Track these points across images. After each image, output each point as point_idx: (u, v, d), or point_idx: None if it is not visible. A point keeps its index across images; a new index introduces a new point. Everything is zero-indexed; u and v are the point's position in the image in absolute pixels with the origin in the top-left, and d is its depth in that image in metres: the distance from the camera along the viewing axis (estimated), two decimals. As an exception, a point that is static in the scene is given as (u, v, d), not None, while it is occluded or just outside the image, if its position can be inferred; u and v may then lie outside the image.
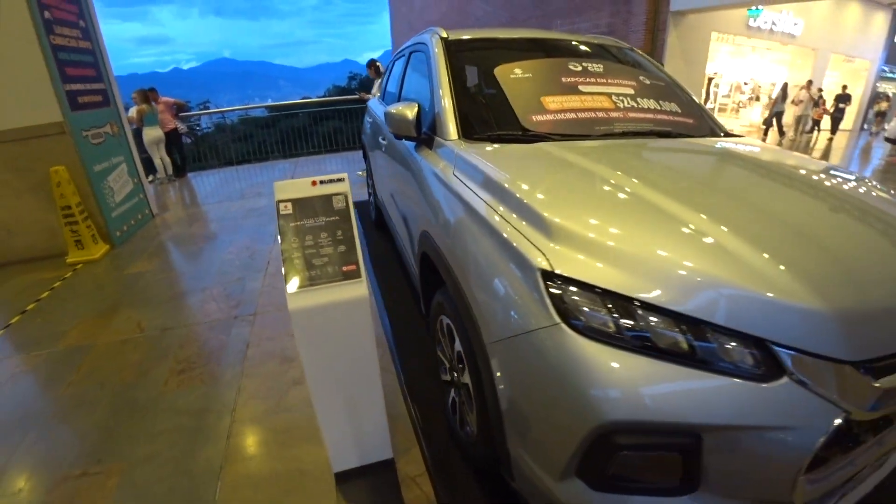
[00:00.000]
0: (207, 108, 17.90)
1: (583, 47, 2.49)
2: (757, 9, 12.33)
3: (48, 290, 3.58)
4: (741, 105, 16.04)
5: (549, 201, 1.19)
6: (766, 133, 12.97)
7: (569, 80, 2.02)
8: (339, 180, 1.54)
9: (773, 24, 13.16)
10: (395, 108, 1.99)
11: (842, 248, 1.03)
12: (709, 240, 0.99)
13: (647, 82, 2.26)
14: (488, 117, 1.89)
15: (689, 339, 0.88)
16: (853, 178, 1.63)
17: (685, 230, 1.03)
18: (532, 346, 1.01)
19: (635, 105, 2.04)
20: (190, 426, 2.05)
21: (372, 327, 1.47)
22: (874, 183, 1.61)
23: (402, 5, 27.30)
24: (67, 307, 3.30)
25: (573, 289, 0.97)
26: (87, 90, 4.38)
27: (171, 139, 7.74)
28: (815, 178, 1.59)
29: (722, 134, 2.18)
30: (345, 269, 1.44)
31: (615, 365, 0.88)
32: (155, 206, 5.62)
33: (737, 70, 15.34)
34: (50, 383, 2.45)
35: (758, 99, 16.17)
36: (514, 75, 1.99)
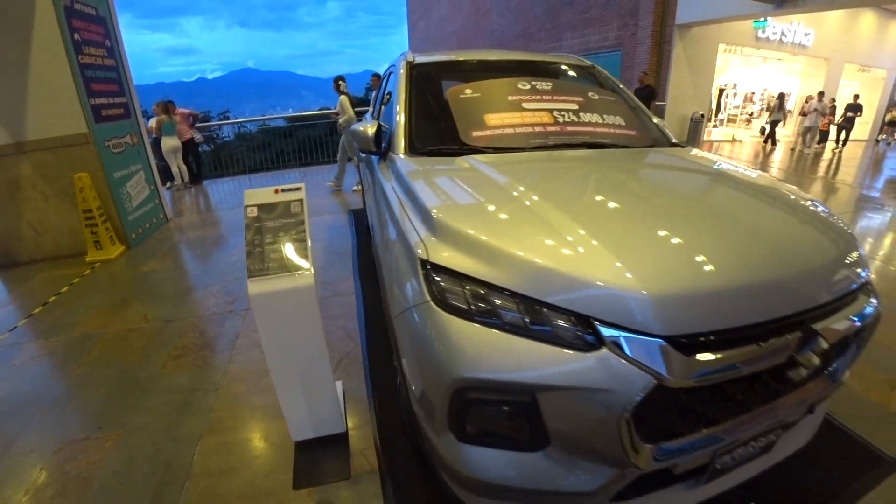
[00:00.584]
0: (227, 117, 18.52)
1: (541, 66, 2.74)
2: (763, 20, 12.36)
3: (68, 286, 3.97)
4: (753, 115, 15.95)
5: (437, 204, 1.45)
6: (765, 142, 12.92)
7: (514, 98, 2.26)
8: (297, 189, 1.83)
9: (783, 34, 13.16)
10: (360, 126, 2.28)
11: (677, 241, 1.23)
12: (561, 238, 1.21)
13: (596, 98, 2.47)
14: (434, 134, 2.15)
15: (527, 315, 1.11)
16: (749, 176, 1.84)
17: (544, 230, 1.25)
18: (414, 319, 1.26)
19: (576, 120, 2.23)
20: (180, 401, 2.35)
21: (318, 313, 1.74)
22: (770, 183, 1.81)
23: (420, 19, 27.97)
24: (84, 300, 3.67)
25: (442, 274, 1.22)
26: (111, 104, 4.81)
27: (188, 148, 8.23)
28: (698, 178, 1.83)
29: (667, 145, 2.36)
30: (296, 262, 1.72)
31: (469, 334, 1.11)
32: (170, 210, 6.04)
33: (750, 81, 15.30)
34: (64, 364, 2.79)
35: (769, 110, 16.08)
36: (463, 95, 2.26)
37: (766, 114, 13.38)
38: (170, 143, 7.86)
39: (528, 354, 1.08)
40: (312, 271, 1.70)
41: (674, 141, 2.45)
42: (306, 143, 10.52)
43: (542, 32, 15.39)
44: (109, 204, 4.68)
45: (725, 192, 1.71)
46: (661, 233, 1.27)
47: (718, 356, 1.06)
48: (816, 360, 1.18)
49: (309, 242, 1.74)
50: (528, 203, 1.39)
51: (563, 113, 2.23)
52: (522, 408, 1.11)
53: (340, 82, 6.73)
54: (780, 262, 1.21)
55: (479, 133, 2.06)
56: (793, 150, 11.78)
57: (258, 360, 2.65)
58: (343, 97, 6.54)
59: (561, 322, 1.09)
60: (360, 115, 6.86)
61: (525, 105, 2.22)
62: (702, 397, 1.17)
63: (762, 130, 13.36)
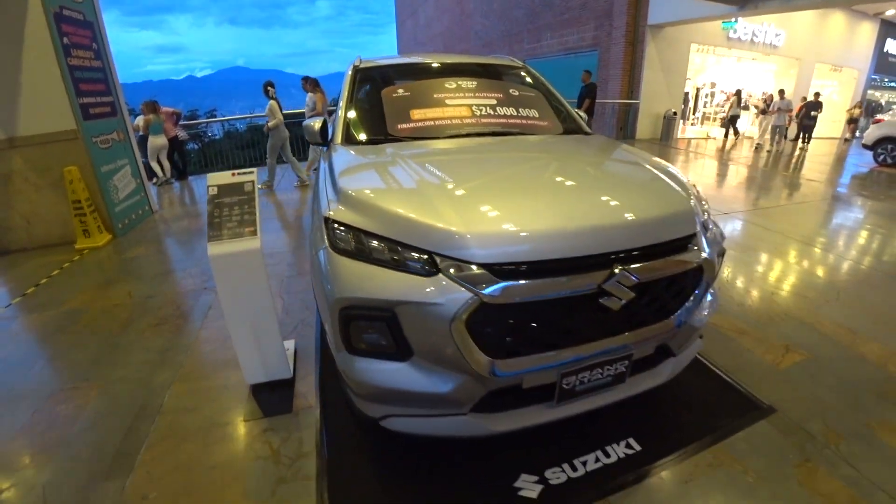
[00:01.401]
0: (214, 115, 18.74)
1: (474, 67, 3.11)
2: (732, 21, 12.83)
3: (58, 270, 4.32)
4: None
5: (344, 178, 1.82)
6: (725, 136, 13.47)
7: (439, 95, 2.63)
8: (250, 173, 2.22)
9: (754, 35, 13.66)
10: (310, 122, 2.65)
11: (510, 199, 1.59)
12: (422, 198, 1.57)
13: (516, 94, 2.84)
14: (367, 127, 2.52)
15: (391, 253, 1.47)
16: (613, 152, 2.27)
17: (412, 193, 1.62)
18: (318, 259, 1.62)
19: (492, 113, 2.59)
20: (155, 359, 2.72)
21: (265, 272, 2.11)
22: (630, 155, 2.23)
23: (408, 19, 28.35)
24: (73, 282, 4.02)
25: (337, 226, 1.59)
26: (98, 102, 5.15)
27: (174, 145, 8.55)
28: (567, 154, 2.25)
29: (579, 133, 2.74)
30: (246, 230, 2.09)
31: (349, 267, 1.48)
32: (155, 203, 6.38)
33: (729, 80, 15.79)
34: (55, 332, 3.15)
35: (746, 108, 16.57)
36: (395, 94, 2.64)
37: (726, 109, 13.83)
38: (157, 141, 8.17)
39: (389, 280, 1.44)
40: (259, 236, 2.08)
41: (587, 130, 2.83)
42: (294, 141, 10.84)
43: (524, 33, 15.83)
44: (97, 195, 5.02)
45: (580, 163, 2.13)
46: (501, 193, 1.67)
47: (527, 281, 1.40)
48: (626, 292, 1.47)
49: (258, 215, 2.13)
50: (410, 176, 1.77)
51: (480, 107, 2.61)
52: (387, 321, 1.46)
53: (269, 88, 7.21)
54: (594, 213, 1.56)
55: (404, 126, 2.44)
56: (758, 147, 12.09)
57: (225, 327, 3.01)
58: (272, 102, 7.01)
59: (413, 256, 1.46)
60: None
61: (448, 101, 2.60)
62: (539, 322, 1.47)
63: (723, 124, 13.94)
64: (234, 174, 2.21)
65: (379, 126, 2.48)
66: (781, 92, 11.74)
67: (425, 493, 1.72)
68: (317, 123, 2.59)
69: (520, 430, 1.60)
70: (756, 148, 11.97)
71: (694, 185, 2.04)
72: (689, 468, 1.86)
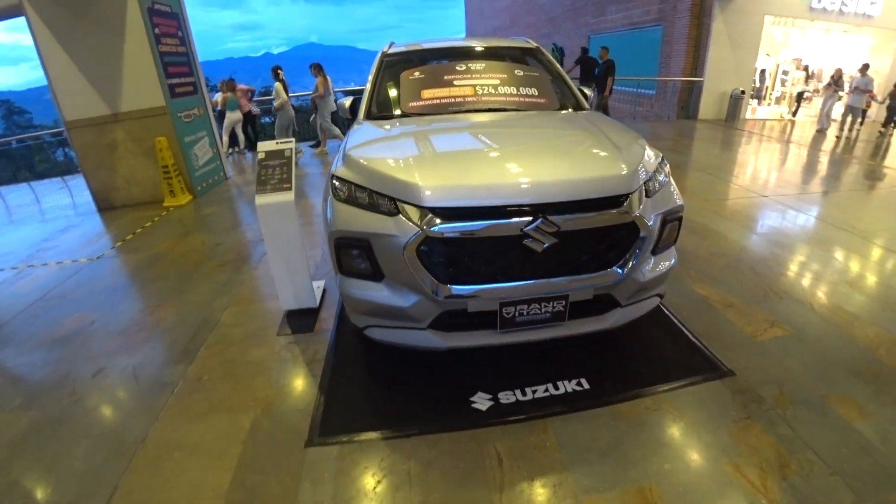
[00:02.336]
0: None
1: (488, 50, 3.45)
2: (816, -11, 11.72)
3: (150, 222, 5.24)
4: (813, 93, 15.05)
5: (351, 145, 2.29)
6: (793, 114, 12.40)
7: (449, 77, 3.01)
8: (289, 142, 2.76)
9: (843, 4, 12.37)
10: (343, 100, 3.16)
11: (467, 159, 2.03)
12: (398, 160, 1.99)
13: (521, 74, 3.13)
14: (386, 104, 2.96)
15: (369, 198, 1.90)
16: (578, 123, 2.58)
17: (394, 157, 2.04)
18: (326, 207, 2.10)
19: (494, 91, 2.90)
20: (217, 289, 3.41)
21: (296, 219, 2.66)
22: (591, 126, 2.47)
23: (475, -7, 28.16)
24: (160, 232, 4.89)
25: (337, 182, 2.06)
26: (182, 83, 6.01)
27: (247, 119, 9.51)
28: (544, 127, 2.61)
29: (574, 109, 2.96)
30: (284, 185, 2.65)
31: (343, 209, 1.95)
32: (230, 170, 7.30)
33: (815, 56, 14.43)
34: (145, 269, 3.96)
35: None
36: (411, 76, 3.05)
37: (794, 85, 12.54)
38: (233, 116, 9.14)
39: (366, 218, 1.90)
40: (293, 191, 2.63)
41: (584, 107, 3.03)
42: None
43: (589, 6, 15.38)
44: (181, 162, 5.92)
45: (545, 133, 2.48)
46: (460, 155, 2.10)
47: (461, 221, 1.76)
48: (547, 237, 1.76)
49: (293, 174, 2.67)
50: (397, 143, 2.21)
51: (483, 86, 2.95)
52: (364, 249, 1.91)
53: (278, 71, 7.98)
54: (526, 172, 1.90)
55: (414, 103, 2.86)
56: (819, 132, 10.47)
57: (273, 270, 3.67)
58: (278, 83, 7.78)
59: (383, 200, 1.89)
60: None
61: (455, 82, 2.97)
62: (478, 256, 1.83)
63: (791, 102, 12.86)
64: (277, 143, 2.77)
65: (394, 104, 2.93)
66: (864, 67, 10.31)
67: (399, 396, 2.18)
68: (348, 101, 3.08)
69: (469, 347, 2.01)
70: (819, 132, 10.44)
71: (653, 155, 2.23)
72: (627, 409, 2.05)
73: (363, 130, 2.62)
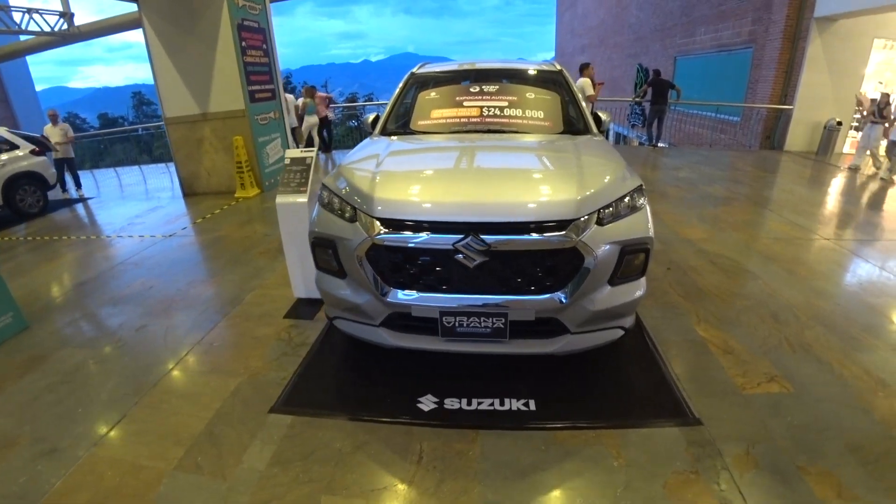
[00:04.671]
0: (371, 99, 21.36)
1: (508, 72, 3.60)
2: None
3: (220, 210, 6.03)
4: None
5: (348, 157, 2.61)
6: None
7: (460, 98, 3.17)
8: (310, 151, 3.18)
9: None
10: (367, 116, 3.53)
11: (424, 177, 2.23)
12: (368, 174, 2.25)
13: (532, 97, 3.23)
14: (399, 122, 3.25)
15: (339, 206, 2.17)
16: (561, 149, 2.62)
17: (367, 171, 2.30)
18: (313, 209, 2.44)
19: (499, 113, 3.02)
20: (252, 273, 3.94)
21: (308, 217, 3.06)
22: (567, 153, 2.51)
23: (567, 11, 27.99)
24: (226, 219, 5.63)
25: (322, 189, 2.38)
26: (262, 90, 6.83)
27: (323, 124, 10.39)
28: (525, 150, 2.68)
29: (577, 134, 2.97)
30: (301, 188, 3.07)
31: (320, 213, 2.24)
32: (296, 170, 8.08)
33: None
34: (206, 248, 4.66)
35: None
36: (428, 96, 3.32)
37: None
38: (310, 120, 10.03)
39: (334, 222, 2.18)
40: (307, 194, 3.04)
41: (593, 132, 3.05)
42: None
43: (677, 27, 14.81)
44: (253, 159, 6.71)
45: (518, 157, 2.59)
46: (422, 173, 2.32)
47: (401, 231, 1.98)
48: (477, 255, 1.90)
49: (310, 180, 3.08)
50: (380, 158, 2.47)
51: (490, 108, 3.07)
52: (332, 249, 2.17)
53: (313, 90, 9.62)
54: (467, 192, 2.06)
55: (422, 122, 3.12)
56: (853, 169, 8.55)
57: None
58: (306, 99, 9.32)
59: (347, 208, 2.17)
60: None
61: (465, 103, 3.15)
62: (420, 266, 2.01)
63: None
64: (301, 151, 3.21)
65: (405, 121, 3.22)
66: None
67: (360, 384, 2.45)
68: (371, 116, 3.44)
69: (415, 349, 2.21)
70: (852, 169, 8.49)
71: (625, 184, 2.18)
72: (566, 437, 2.01)
73: (365, 144, 2.96)
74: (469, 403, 2.23)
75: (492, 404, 2.21)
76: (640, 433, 2.03)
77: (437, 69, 3.72)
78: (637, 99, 10.61)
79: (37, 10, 7.21)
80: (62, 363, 2.76)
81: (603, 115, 3.34)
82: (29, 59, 15.68)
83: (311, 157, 3.18)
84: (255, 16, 6.51)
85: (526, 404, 2.21)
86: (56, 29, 7.60)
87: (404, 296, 2.06)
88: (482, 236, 1.91)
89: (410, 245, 1.99)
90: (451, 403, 2.23)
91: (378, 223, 2.02)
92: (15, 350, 2.96)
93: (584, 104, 3.36)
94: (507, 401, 2.23)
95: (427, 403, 2.24)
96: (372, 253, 2.05)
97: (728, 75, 13.00)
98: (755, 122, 11.65)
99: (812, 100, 10.65)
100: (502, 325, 2.03)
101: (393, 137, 3.03)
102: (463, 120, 3.07)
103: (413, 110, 3.28)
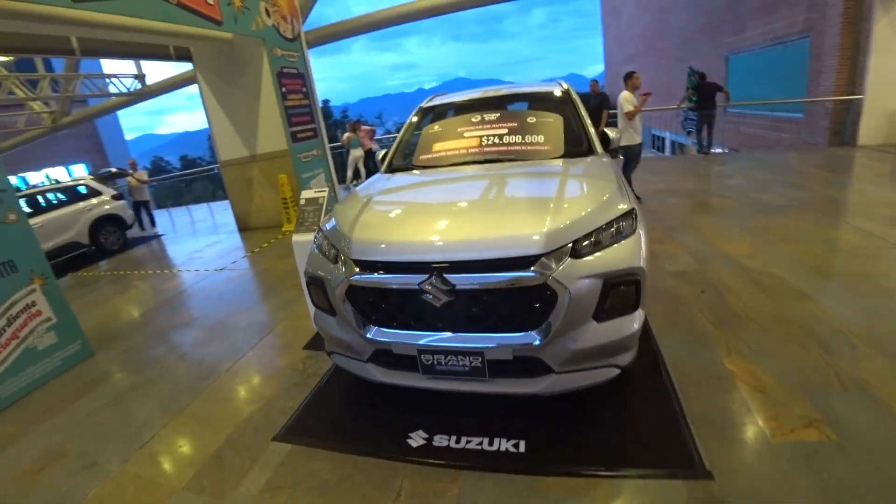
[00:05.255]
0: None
1: (514, 98, 3.65)
2: None
3: (266, 244, 6.53)
4: None
5: (342, 199, 2.77)
6: None
7: (461, 129, 3.18)
8: (323, 191, 3.44)
9: None
10: (379, 152, 3.74)
11: (398, 219, 2.30)
12: (350, 215, 2.36)
13: (533, 121, 3.13)
14: (400, 158, 3.36)
15: (328, 247, 2.29)
16: (550, 177, 2.53)
17: (354, 211, 2.39)
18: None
19: (498, 141, 3.01)
20: (282, 304, 4.23)
21: (320, 254, 3.30)
22: (554, 183, 2.36)
23: (611, 21, 27.53)
24: (271, 253, 6.10)
25: (318, 233, 2.51)
26: (303, 129, 7.35)
27: (368, 155, 10.93)
28: (510, 180, 2.56)
29: (580, 156, 2.85)
30: (313, 227, 3.31)
31: (313, 255, 2.39)
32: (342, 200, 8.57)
33: None
34: (244, 282, 5.07)
35: None
36: (431, 130, 3.40)
37: None
38: (356, 153, 10.62)
39: (321, 263, 2.31)
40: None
41: (598, 152, 2.92)
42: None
43: (725, 25, 14.11)
44: (297, 194, 7.20)
45: (501, 189, 2.45)
46: (398, 215, 2.39)
47: (371, 273, 2.04)
48: (443, 294, 1.90)
49: (322, 216, 3.32)
50: (370, 200, 2.58)
51: (490, 137, 3.07)
52: (322, 287, 2.25)
53: (357, 125, 10.49)
54: (432, 232, 2.06)
55: (425, 156, 3.21)
56: None
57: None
58: (350, 133, 10.32)
59: (333, 250, 2.29)
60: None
61: (465, 134, 3.16)
62: (395, 305, 2.05)
63: None
64: (315, 191, 3.47)
65: (408, 157, 3.32)
66: None
67: (357, 417, 2.52)
68: (382, 153, 3.62)
69: (400, 385, 2.22)
70: None
71: (610, 212, 2.05)
72: (552, 484, 1.89)
73: (369, 183, 3.13)
74: (458, 441, 2.18)
75: (480, 443, 2.15)
76: (636, 484, 1.84)
77: (444, 101, 3.78)
78: (682, 106, 10.13)
79: (115, 75, 8.34)
80: (113, 387, 3.17)
81: (611, 133, 3.18)
82: (121, 113, 18.04)
83: (324, 196, 3.43)
84: (293, 62, 7.08)
85: (516, 445, 2.11)
86: (131, 89, 8.72)
87: (383, 334, 2.11)
88: (447, 275, 1.90)
89: (382, 286, 2.06)
90: (440, 440, 2.21)
91: (354, 264, 2.11)
92: (79, 375, 3.45)
93: (588, 124, 3.18)
94: (496, 440, 2.15)
95: (416, 439, 2.23)
96: (351, 293, 2.13)
97: (786, 69, 12.09)
98: (821, 117, 10.75)
99: (884, 86, 9.67)
100: (480, 364, 1.99)
101: (395, 174, 3.15)
102: (462, 151, 3.09)
103: (417, 146, 3.36)
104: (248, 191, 7.37)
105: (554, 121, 3.16)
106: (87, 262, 7.32)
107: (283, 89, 6.80)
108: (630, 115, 5.98)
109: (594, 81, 9.84)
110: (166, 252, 7.46)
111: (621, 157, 6.02)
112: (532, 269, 1.85)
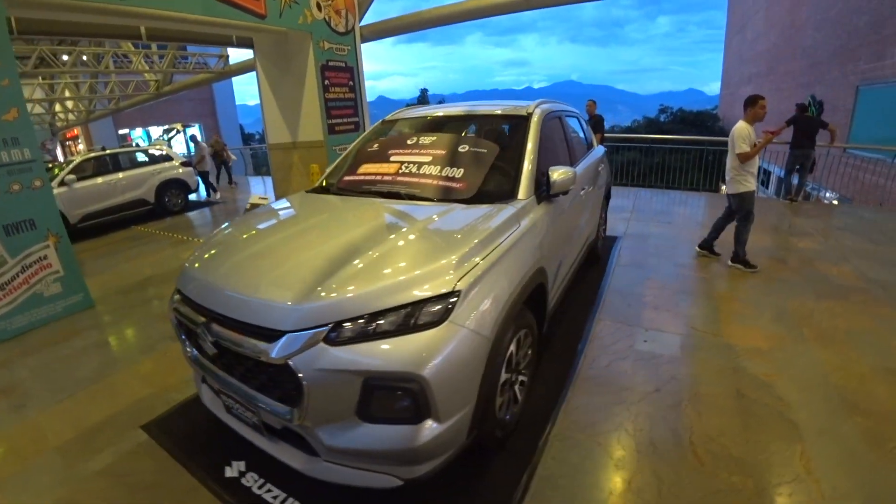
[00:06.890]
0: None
1: (466, 120, 3.19)
2: None
3: (285, 227, 6.85)
4: None
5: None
6: None
7: (392, 151, 2.82)
8: (264, 198, 3.49)
9: None
10: None
11: (231, 259, 2.02)
12: (208, 242, 2.29)
13: (464, 150, 2.65)
14: (329, 177, 3.07)
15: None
16: (423, 230, 2.05)
17: (214, 238, 2.33)
18: None
19: (414, 171, 2.61)
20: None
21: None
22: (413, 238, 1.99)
23: (736, 35, 24.85)
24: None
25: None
26: (344, 122, 7.51)
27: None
28: (364, 229, 2.12)
29: (491, 200, 2.36)
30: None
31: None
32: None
33: None
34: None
35: None
36: (369, 148, 3.04)
37: None
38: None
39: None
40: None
41: (519, 197, 2.41)
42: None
43: (862, 48, 11.84)
44: (327, 184, 7.45)
45: (356, 238, 2.00)
46: (229, 247, 2.21)
47: (180, 307, 2.03)
48: (209, 344, 1.83)
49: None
50: (234, 224, 2.53)
51: (409, 165, 2.67)
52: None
53: None
54: (231, 280, 1.87)
55: (348, 177, 2.88)
56: None
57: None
58: None
59: None
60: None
61: (392, 158, 2.78)
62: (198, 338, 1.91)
63: None
64: (259, 198, 3.54)
65: (336, 177, 3.01)
66: None
67: (214, 429, 2.31)
68: None
69: (212, 413, 2.16)
70: None
71: (428, 296, 1.65)
72: None
73: (271, 205, 2.99)
74: (261, 487, 2.09)
75: (277, 497, 2.01)
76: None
77: (407, 115, 3.44)
78: (772, 139, 8.67)
79: (202, 55, 9.27)
80: (89, 339, 3.61)
81: (555, 175, 2.50)
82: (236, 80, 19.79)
83: (265, 202, 3.48)
84: (342, 56, 7.24)
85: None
86: (214, 67, 9.60)
87: (193, 358, 2.08)
88: (213, 325, 1.83)
89: (179, 315, 2.06)
90: (248, 479, 2.13)
91: (179, 295, 2.10)
92: (73, 322, 4.01)
93: (531, 160, 2.59)
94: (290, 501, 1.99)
95: (233, 470, 2.18)
96: (175, 314, 2.12)
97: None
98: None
99: None
100: (257, 421, 1.86)
101: (308, 194, 2.95)
102: (377, 178, 2.73)
103: (347, 165, 3.09)
104: (288, 174, 7.75)
105: (487, 153, 2.64)
106: (151, 218, 8.28)
107: (326, 82, 7.00)
108: (745, 158, 4.37)
109: (591, 102, 8.84)
110: (216, 219, 8.15)
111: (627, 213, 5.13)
112: (275, 343, 1.60)
